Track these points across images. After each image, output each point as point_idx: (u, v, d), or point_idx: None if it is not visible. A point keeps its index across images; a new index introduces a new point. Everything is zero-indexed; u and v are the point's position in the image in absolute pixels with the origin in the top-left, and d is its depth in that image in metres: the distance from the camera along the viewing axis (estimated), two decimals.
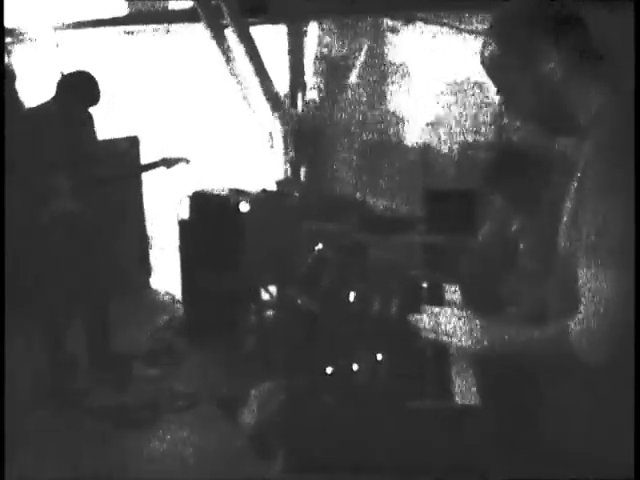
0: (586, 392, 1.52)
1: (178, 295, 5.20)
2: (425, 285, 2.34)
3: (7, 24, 5.68)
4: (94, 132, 4.34)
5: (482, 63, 1.63)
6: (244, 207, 4.39)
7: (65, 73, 4.11)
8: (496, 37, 1.58)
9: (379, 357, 1.74)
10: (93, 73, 4.10)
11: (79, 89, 4.06)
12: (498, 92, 1.64)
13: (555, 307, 1.63)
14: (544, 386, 1.65)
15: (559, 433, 1.57)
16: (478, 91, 4.73)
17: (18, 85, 4.83)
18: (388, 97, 5.24)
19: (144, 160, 5.18)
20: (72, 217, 4.06)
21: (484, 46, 1.61)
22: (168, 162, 4.58)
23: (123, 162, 5.33)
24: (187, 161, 4.63)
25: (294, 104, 5.60)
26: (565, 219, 1.55)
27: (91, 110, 4.21)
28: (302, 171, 5.59)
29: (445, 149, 5.01)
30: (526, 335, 1.57)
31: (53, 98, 4.07)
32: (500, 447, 1.56)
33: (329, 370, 1.70)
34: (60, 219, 4.02)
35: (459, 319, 1.70)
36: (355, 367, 1.71)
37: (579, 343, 1.41)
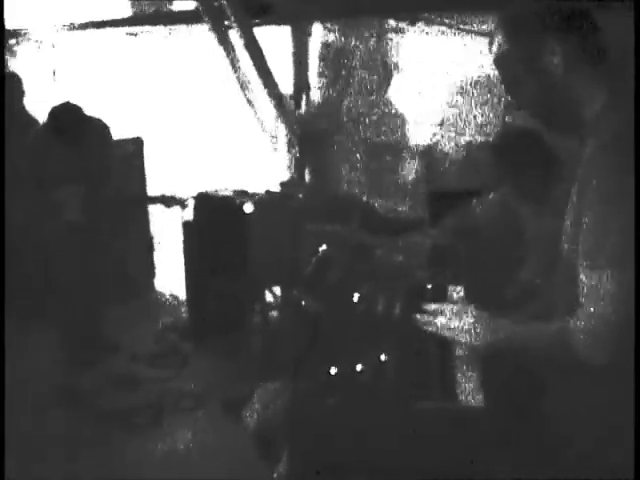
0: (586, 392, 1.52)
1: (183, 297, 5.20)
2: (429, 286, 2.34)
3: (11, 25, 5.70)
4: (108, 144, 4.45)
5: (491, 55, 1.63)
6: (248, 208, 4.39)
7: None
8: (504, 31, 1.59)
9: (383, 358, 1.73)
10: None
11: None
12: (505, 86, 1.64)
13: (558, 305, 1.63)
14: (546, 385, 1.64)
15: (560, 433, 1.56)
16: (483, 91, 4.72)
17: (21, 87, 4.83)
18: (392, 98, 5.23)
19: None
20: (79, 227, 4.19)
21: (492, 40, 1.61)
22: None
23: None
24: None
25: (298, 105, 5.60)
26: (567, 217, 1.54)
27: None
28: (306, 172, 5.59)
29: (450, 150, 5.00)
30: (529, 333, 1.57)
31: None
32: (504, 447, 1.56)
33: (333, 371, 1.69)
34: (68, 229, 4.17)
35: (462, 315, 1.69)
36: (359, 368, 1.70)
37: (579, 342, 1.40)
